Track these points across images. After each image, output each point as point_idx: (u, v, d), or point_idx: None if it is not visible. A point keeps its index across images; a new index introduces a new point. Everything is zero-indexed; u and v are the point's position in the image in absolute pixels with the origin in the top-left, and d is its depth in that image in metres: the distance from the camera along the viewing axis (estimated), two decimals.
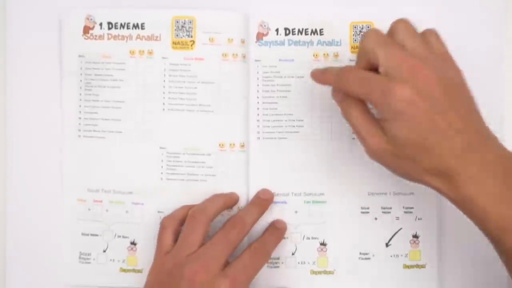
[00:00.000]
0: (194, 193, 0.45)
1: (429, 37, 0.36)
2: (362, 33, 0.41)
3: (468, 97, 0.35)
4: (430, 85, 0.33)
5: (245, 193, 0.45)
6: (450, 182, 0.34)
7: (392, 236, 0.45)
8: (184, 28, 0.45)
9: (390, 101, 0.33)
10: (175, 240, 0.41)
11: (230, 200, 0.44)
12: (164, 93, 0.45)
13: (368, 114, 0.36)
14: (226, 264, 0.39)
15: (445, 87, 0.33)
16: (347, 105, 0.37)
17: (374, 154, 0.35)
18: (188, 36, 0.45)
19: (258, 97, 0.45)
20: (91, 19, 0.46)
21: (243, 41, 0.45)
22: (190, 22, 0.45)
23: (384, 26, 0.44)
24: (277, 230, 0.44)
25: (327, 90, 0.45)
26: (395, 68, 0.33)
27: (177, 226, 0.42)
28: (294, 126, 0.45)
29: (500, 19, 0.46)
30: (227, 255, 0.39)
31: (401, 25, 0.36)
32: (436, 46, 0.36)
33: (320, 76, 0.39)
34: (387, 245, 0.45)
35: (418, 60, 0.33)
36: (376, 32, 0.35)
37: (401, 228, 0.45)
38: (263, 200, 0.44)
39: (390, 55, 0.34)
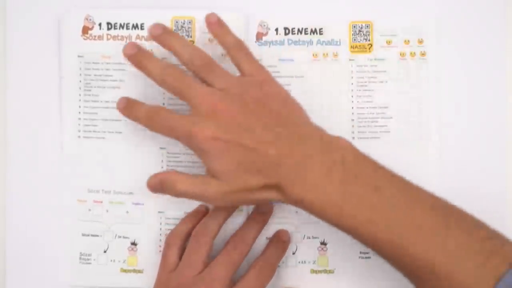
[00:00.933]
0: None
1: (237, 57, 0.40)
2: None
3: (279, 105, 0.38)
4: (231, 117, 0.36)
5: None
6: (279, 191, 0.36)
7: None
8: (184, 29, 0.46)
9: (194, 143, 0.36)
10: (180, 257, 0.42)
11: (231, 210, 0.44)
12: (164, 93, 0.45)
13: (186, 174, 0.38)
14: (231, 283, 0.40)
15: (250, 110, 0.37)
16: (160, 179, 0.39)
17: (217, 201, 0.37)
18: (188, 36, 0.46)
19: None
20: (90, 20, 0.46)
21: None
22: (190, 22, 0.45)
23: (383, 26, 0.45)
24: (282, 243, 0.44)
25: (327, 89, 0.46)
26: (197, 107, 0.37)
27: (182, 242, 0.43)
28: None
29: (500, 19, 0.46)
30: (230, 276, 0.40)
31: (204, 60, 0.39)
32: (245, 66, 0.40)
33: (128, 109, 0.41)
34: None
35: (217, 96, 0.37)
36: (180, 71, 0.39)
37: None
38: (263, 214, 0.44)
39: (193, 95, 0.37)
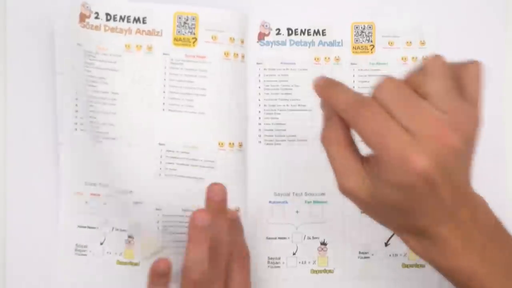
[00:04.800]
0: (192, 190, 0.46)
1: (465, 79, 0.31)
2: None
3: (471, 161, 0.32)
4: (450, 159, 0.29)
5: (244, 193, 0.46)
6: (435, 247, 0.32)
7: (391, 236, 0.46)
8: (187, 25, 0.46)
9: (403, 173, 0.29)
10: None
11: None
12: (164, 92, 0.46)
13: (350, 147, 0.32)
14: None
15: (460, 158, 0.30)
16: (329, 127, 0.33)
17: (346, 194, 0.32)
18: (191, 33, 0.46)
19: (259, 100, 0.47)
20: (87, 7, 0.46)
21: (242, 41, 0.47)
22: (193, 19, 0.46)
23: (385, 27, 0.47)
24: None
25: None
26: (420, 130, 0.28)
27: None
28: (295, 128, 0.47)
29: (500, 19, 0.47)
30: None
31: (435, 66, 0.30)
32: (469, 90, 0.31)
33: (327, 89, 0.33)
34: (386, 244, 0.46)
35: (446, 125, 0.29)
36: (393, 82, 0.30)
37: None
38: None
39: (415, 114, 0.29)
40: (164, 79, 0.46)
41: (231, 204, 0.45)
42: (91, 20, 0.46)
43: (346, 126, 0.32)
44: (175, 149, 0.46)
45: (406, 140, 0.28)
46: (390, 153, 0.29)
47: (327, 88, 0.33)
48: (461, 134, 0.29)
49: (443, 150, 0.29)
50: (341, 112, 0.31)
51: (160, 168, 0.46)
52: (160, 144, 0.46)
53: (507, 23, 0.47)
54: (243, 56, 0.46)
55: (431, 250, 0.32)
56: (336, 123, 0.32)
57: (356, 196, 0.32)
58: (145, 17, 0.46)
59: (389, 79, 0.30)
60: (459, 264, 0.32)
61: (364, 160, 0.32)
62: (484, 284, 0.32)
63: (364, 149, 0.31)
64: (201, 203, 0.46)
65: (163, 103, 0.46)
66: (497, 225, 0.34)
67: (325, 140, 0.33)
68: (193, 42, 0.46)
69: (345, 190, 0.32)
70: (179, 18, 0.46)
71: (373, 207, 0.32)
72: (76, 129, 0.46)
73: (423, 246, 0.32)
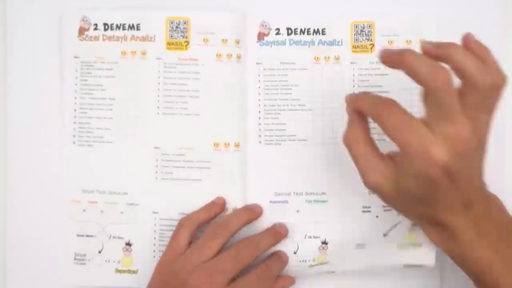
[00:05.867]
0: (188, 193, 0.47)
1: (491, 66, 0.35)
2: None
3: (483, 160, 0.36)
4: (465, 153, 0.32)
5: (243, 193, 0.46)
6: (452, 238, 0.36)
7: (389, 230, 0.46)
8: (179, 29, 0.47)
9: (424, 164, 0.32)
10: (189, 242, 0.43)
11: (253, 215, 0.46)
12: (158, 95, 0.47)
13: (371, 145, 0.36)
14: (232, 280, 0.41)
15: (474, 154, 0.34)
16: (351, 128, 0.36)
17: (371, 189, 0.35)
18: (183, 37, 0.47)
19: (259, 99, 0.47)
20: (86, 21, 0.47)
21: (237, 41, 0.47)
22: (185, 23, 0.47)
23: (385, 26, 0.46)
24: (281, 261, 0.46)
25: (328, 93, 0.46)
26: (439, 127, 0.32)
27: (195, 228, 0.44)
28: (295, 128, 0.47)
29: (500, 19, 0.47)
30: (235, 273, 0.41)
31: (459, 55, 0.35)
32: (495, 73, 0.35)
33: (354, 97, 0.36)
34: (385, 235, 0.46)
35: (467, 125, 0.32)
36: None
37: (399, 222, 0.46)
38: (278, 233, 0.46)
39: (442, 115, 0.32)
40: (158, 83, 0.47)
41: (231, 204, 0.46)
42: (90, 32, 0.47)
43: (367, 127, 0.36)
44: (171, 152, 0.47)
45: (426, 135, 0.32)
46: (412, 146, 0.32)
47: (355, 96, 0.36)
48: (476, 135, 0.33)
49: (459, 145, 0.32)
50: (367, 111, 0.35)
51: (156, 172, 0.47)
52: (155, 147, 0.47)
53: (507, 22, 0.47)
54: (238, 56, 0.47)
55: (449, 241, 0.36)
56: (358, 124, 0.36)
57: (380, 190, 0.35)
58: (139, 24, 0.47)
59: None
60: (474, 255, 0.35)
61: (386, 157, 0.35)
62: (498, 278, 0.35)
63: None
64: (197, 206, 0.46)
65: (158, 107, 0.47)
66: (510, 223, 0.37)
67: (348, 139, 0.36)
68: (186, 46, 0.47)
69: (370, 185, 0.35)
70: (171, 22, 0.47)
71: (396, 199, 0.35)
72: (74, 136, 0.47)
73: (443, 237, 0.36)
